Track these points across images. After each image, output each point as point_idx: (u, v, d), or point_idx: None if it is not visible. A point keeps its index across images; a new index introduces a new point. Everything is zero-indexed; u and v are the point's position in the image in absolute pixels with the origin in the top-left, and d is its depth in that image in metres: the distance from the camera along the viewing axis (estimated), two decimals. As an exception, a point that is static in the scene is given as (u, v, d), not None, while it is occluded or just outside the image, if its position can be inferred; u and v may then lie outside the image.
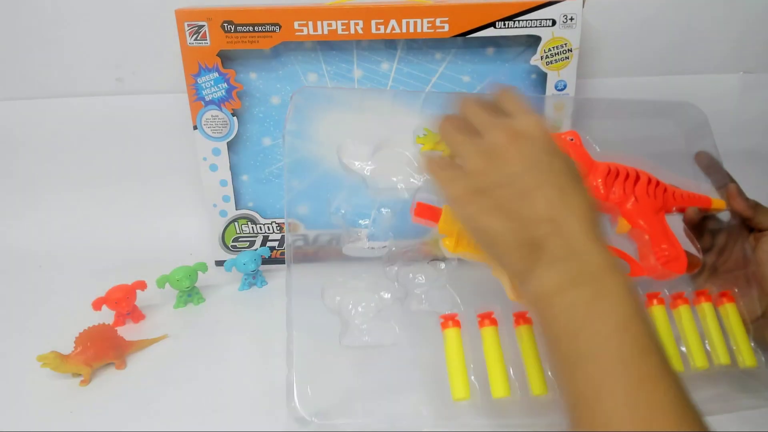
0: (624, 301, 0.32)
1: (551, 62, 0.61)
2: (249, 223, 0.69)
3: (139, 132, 0.78)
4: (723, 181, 0.53)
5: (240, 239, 0.70)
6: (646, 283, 0.50)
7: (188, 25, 0.58)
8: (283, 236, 0.70)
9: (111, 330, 0.53)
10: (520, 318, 0.46)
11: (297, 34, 0.58)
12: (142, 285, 0.60)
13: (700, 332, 0.48)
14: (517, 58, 0.62)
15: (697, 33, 0.76)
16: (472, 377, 0.45)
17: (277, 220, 0.69)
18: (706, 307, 0.49)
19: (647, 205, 0.49)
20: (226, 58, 0.60)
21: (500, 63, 0.62)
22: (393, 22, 0.58)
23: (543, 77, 0.62)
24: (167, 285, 0.61)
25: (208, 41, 0.59)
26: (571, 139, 0.50)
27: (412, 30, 0.58)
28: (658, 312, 0.48)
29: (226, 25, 0.58)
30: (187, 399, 0.48)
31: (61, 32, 0.73)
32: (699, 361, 0.47)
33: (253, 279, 0.66)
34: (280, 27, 0.58)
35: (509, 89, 0.39)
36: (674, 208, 0.51)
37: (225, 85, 0.61)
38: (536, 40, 0.59)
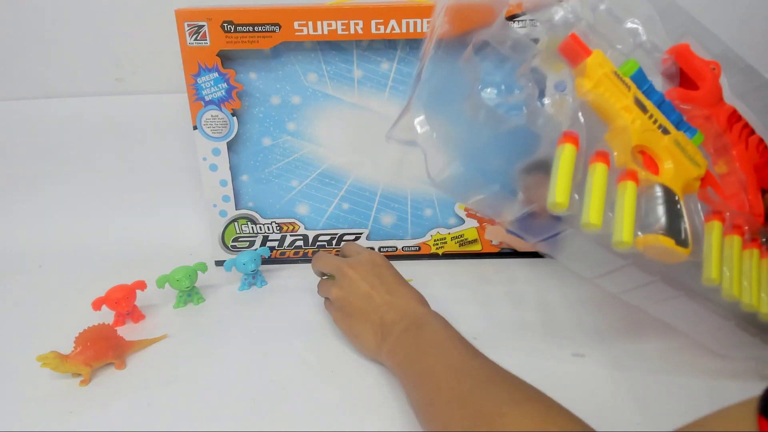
0: (441, 328, 0.47)
1: (551, 62, 0.61)
2: (249, 223, 0.69)
3: (139, 132, 0.78)
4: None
5: (240, 239, 0.70)
6: (731, 216, 0.50)
7: (188, 25, 0.58)
8: (283, 236, 0.70)
9: (111, 330, 0.53)
10: (628, 176, 0.45)
11: (297, 34, 0.58)
12: (141, 285, 0.60)
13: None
14: (516, 58, 0.62)
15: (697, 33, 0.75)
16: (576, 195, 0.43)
17: (277, 220, 0.69)
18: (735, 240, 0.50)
19: (752, 158, 0.51)
20: (226, 58, 0.60)
21: (500, 63, 0.62)
22: (393, 22, 0.58)
23: (543, 77, 0.62)
24: (167, 285, 0.61)
25: (208, 41, 0.59)
26: (713, 68, 0.52)
27: (412, 30, 0.58)
28: (736, 241, 0.49)
29: (226, 25, 0.58)
30: (187, 399, 0.48)
31: (61, 32, 0.73)
32: (753, 299, 0.48)
33: (253, 279, 0.66)
34: (280, 27, 0.58)
35: (348, 244, 0.62)
36: (766, 179, 0.52)
37: (225, 85, 0.61)
38: (536, 40, 0.59)
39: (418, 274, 0.67)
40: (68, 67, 0.75)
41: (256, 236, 0.70)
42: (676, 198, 0.45)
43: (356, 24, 0.58)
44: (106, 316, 0.58)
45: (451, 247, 0.72)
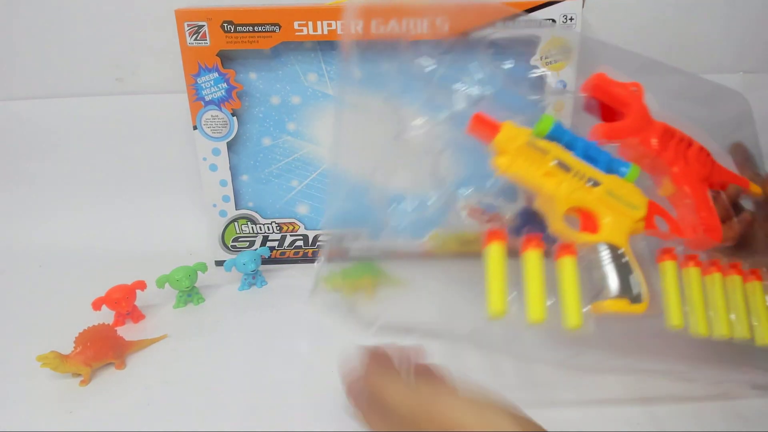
0: None
1: (551, 62, 0.61)
2: (249, 223, 0.69)
3: (139, 132, 0.78)
4: (757, 170, 0.53)
5: (240, 239, 0.70)
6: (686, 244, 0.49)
7: (188, 25, 0.58)
8: (283, 236, 0.70)
9: (111, 330, 0.53)
10: (564, 250, 0.45)
11: (297, 34, 0.58)
12: (141, 285, 0.60)
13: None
14: (517, 58, 0.62)
15: (697, 33, 0.76)
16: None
17: (277, 220, 0.69)
18: (736, 279, 0.49)
19: (695, 172, 0.49)
20: (226, 58, 0.60)
21: (500, 63, 0.62)
22: (393, 22, 0.58)
23: (543, 77, 0.62)
24: (167, 285, 0.61)
25: (207, 41, 0.59)
26: (634, 90, 0.50)
27: (411, 30, 0.58)
28: (693, 273, 0.48)
29: (225, 25, 0.58)
30: (187, 399, 0.48)
31: (61, 32, 0.73)
32: (722, 329, 0.47)
33: (253, 279, 0.66)
34: (280, 27, 0.58)
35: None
36: (715, 186, 0.51)
37: (225, 85, 0.61)
38: (536, 40, 0.59)
39: (418, 274, 0.67)
40: (68, 67, 0.75)
41: (256, 236, 0.70)
42: (620, 252, 0.44)
43: (356, 24, 0.58)
44: (106, 316, 0.58)
45: (452, 246, 0.71)
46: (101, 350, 0.51)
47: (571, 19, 0.58)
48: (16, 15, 0.72)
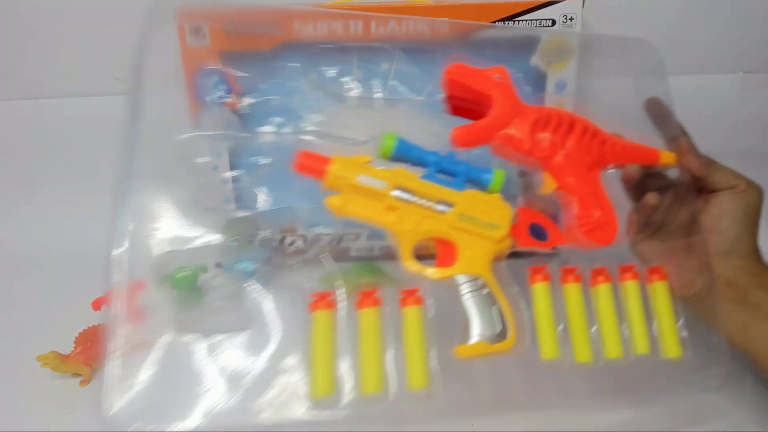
0: None
1: (551, 62, 0.61)
2: (249, 223, 0.69)
3: (139, 132, 0.78)
4: (674, 132, 0.47)
5: (240, 239, 0.70)
6: (580, 254, 0.44)
7: (188, 25, 0.58)
8: (283, 236, 0.70)
9: (111, 330, 0.52)
10: (408, 297, 0.41)
11: (297, 34, 0.58)
12: (142, 285, 0.60)
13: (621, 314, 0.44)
14: (517, 58, 0.62)
15: (697, 33, 0.76)
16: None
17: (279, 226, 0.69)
18: (630, 286, 0.43)
19: (579, 160, 0.43)
20: (226, 58, 0.60)
21: (500, 63, 0.62)
22: (393, 22, 0.58)
23: (543, 77, 0.62)
24: (180, 280, 0.61)
25: (207, 41, 0.59)
26: (498, 77, 0.44)
27: (412, 30, 0.58)
28: (571, 291, 0.42)
29: (226, 25, 0.58)
30: (187, 399, 0.48)
31: (61, 32, 0.73)
32: (612, 351, 0.42)
33: (253, 279, 0.66)
34: (280, 27, 0.58)
35: None
36: (612, 165, 0.45)
37: (225, 85, 0.61)
38: (536, 40, 0.59)
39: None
40: (68, 67, 0.75)
41: (256, 236, 0.70)
42: (480, 283, 0.40)
43: (356, 24, 0.58)
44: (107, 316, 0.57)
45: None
46: (101, 350, 0.50)
47: (571, 19, 0.58)
48: (17, 15, 0.72)
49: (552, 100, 0.62)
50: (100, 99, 0.76)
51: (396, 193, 0.40)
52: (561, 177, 0.42)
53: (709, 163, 0.46)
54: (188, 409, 0.41)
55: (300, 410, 0.39)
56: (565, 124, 0.43)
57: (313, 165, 0.40)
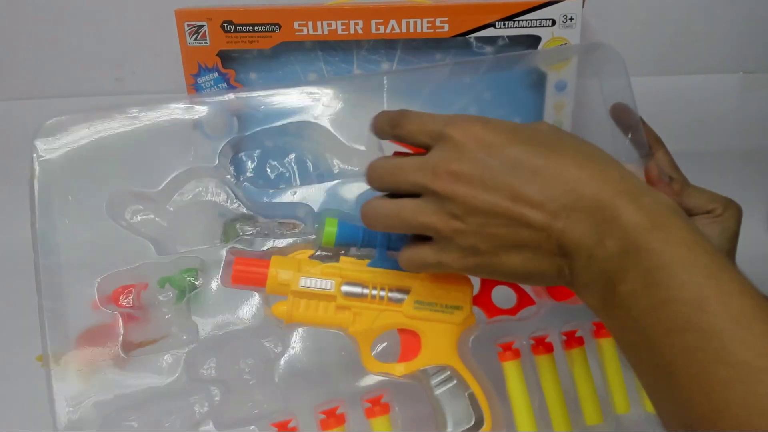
0: (686, 242, 0.27)
1: (551, 62, 0.61)
2: (249, 223, 0.69)
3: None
4: (643, 149, 0.44)
5: (240, 239, 0.69)
6: (500, 328, 0.42)
7: (188, 25, 0.58)
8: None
9: (111, 330, 0.52)
10: (375, 407, 0.40)
11: (297, 34, 0.58)
12: (142, 285, 0.60)
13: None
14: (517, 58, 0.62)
15: (697, 33, 0.76)
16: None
17: (277, 220, 0.69)
18: (605, 342, 0.43)
19: None
20: (226, 58, 0.60)
21: (500, 63, 0.62)
22: (393, 22, 0.58)
23: (543, 77, 0.62)
24: (167, 285, 0.61)
25: (207, 41, 0.59)
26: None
27: (412, 30, 0.58)
28: (544, 363, 0.42)
29: (225, 25, 0.58)
30: (187, 399, 0.48)
31: (61, 32, 0.73)
32: (590, 418, 0.42)
33: (253, 279, 0.66)
34: (280, 27, 0.58)
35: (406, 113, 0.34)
36: None
37: (225, 85, 0.61)
38: (536, 40, 0.59)
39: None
40: (68, 67, 0.75)
41: (256, 236, 0.70)
42: (448, 373, 0.38)
43: (356, 24, 0.58)
44: (107, 316, 0.57)
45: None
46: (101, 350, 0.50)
47: (571, 18, 0.58)
48: (16, 15, 0.72)
49: (552, 100, 0.62)
50: (100, 99, 0.76)
51: (345, 289, 0.38)
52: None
53: (682, 187, 0.43)
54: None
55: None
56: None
57: (250, 273, 0.38)
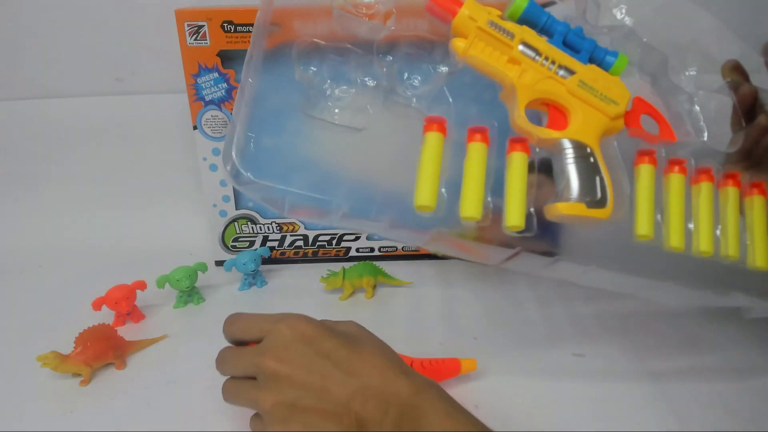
0: (443, 412, 0.36)
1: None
2: (249, 223, 0.69)
3: (139, 132, 0.78)
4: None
5: (240, 239, 0.70)
6: (671, 149, 0.44)
7: (188, 25, 0.58)
8: (283, 236, 0.70)
9: (111, 330, 0.53)
10: (516, 143, 0.41)
11: (297, 33, 0.58)
12: (141, 285, 0.60)
13: (717, 216, 0.44)
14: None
15: (697, 33, 0.75)
16: (443, 190, 0.40)
17: (277, 220, 0.69)
18: (731, 191, 0.44)
19: None
20: (226, 58, 0.60)
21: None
22: (393, 21, 0.58)
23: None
24: (167, 285, 0.61)
25: (207, 41, 0.59)
26: None
27: (412, 30, 0.58)
28: (675, 180, 0.43)
29: (225, 25, 0.58)
30: (187, 399, 0.48)
31: (61, 32, 0.73)
32: (704, 245, 0.42)
33: (253, 279, 0.66)
34: (280, 27, 0.58)
35: (238, 318, 0.42)
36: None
37: (225, 85, 0.61)
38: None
39: (418, 274, 0.67)
40: (68, 67, 0.75)
41: (256, 236, 0.70)
42: (587, 151, 0.39)
43: (356, 24, 0.58)
44: (106, 316, 0.58)
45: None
46: (101, 350, 0.51)
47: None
48: (17, 15, 0.72)
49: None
50: (100, 99, 0.76)
51: (521, 47, 0.39)
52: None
53: None
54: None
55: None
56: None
57: (446, 4, 0.40)
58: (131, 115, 0.77)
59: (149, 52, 0.74)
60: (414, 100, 0.44)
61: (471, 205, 0.39)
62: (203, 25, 0.58)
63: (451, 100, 0.43)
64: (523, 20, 0.40)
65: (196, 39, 0.59)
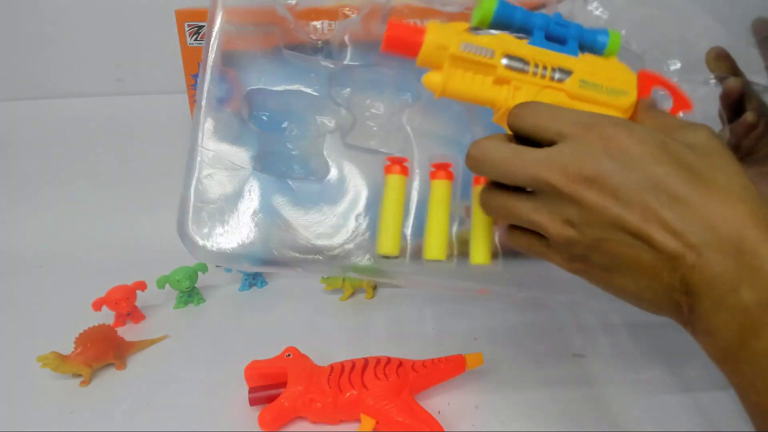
0: None
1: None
2: (249, 223, 0.69)
3: (139, 132, 0.78)
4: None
5: (240, 239, 0.70)
6: None
7: (188, 26, 0.58)
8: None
9: (111, 330, 0.53)
10: (476, 180, 0.39)
11: (297, 33, 0.58)
12: (142, 285, 0.60)
13: None
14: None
15: (697, 32, 0.75)
16: (408, 232, 0.39)
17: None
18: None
19: (384, 389, 0.43)
20: (226, 58, 0.60)
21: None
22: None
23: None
24: (167, 285, 0.61)
25: (208, 41, 0.59)
26: (288, 356, 0.47)
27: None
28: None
29: (226, 25, 0.58)
30: (187, 399, 0.48)
31: (61, 32, 0.73)
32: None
33: (253, 279, 0.66)
34: (280, 27, 0.58)
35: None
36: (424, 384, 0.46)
37: (225, 85, 0.61)
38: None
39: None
40: (68, 67, 0.75)
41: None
42: None
43: (356, 24, 0.58)
44: (107, 316, 0.58)
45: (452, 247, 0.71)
46: (101, 351, 0.51)
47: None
48: (17, 15, 0.72)
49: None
50: (100, 99, 0.76)
51: (506, 61, 0.34)
52: (375, 411, 0.42)
53: None
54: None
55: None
56: (359, 366, 0.45)
57: (406, 37, 0.33)
58: (131, 115, 0.77)
59: (149, 52, 0.74)
60: (372, 142, 0.42)
61: (434, 249, 0.38)
62: (203, 26, 0.58)
63: (412, 135, 0.41)
64: (495, 24, 0.35)
65: (196, 39, 0.59)
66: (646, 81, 0.37)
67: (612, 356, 0.53)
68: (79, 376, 0.50)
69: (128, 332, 0.56)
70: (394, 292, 0.64)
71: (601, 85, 0.35)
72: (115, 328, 0.54)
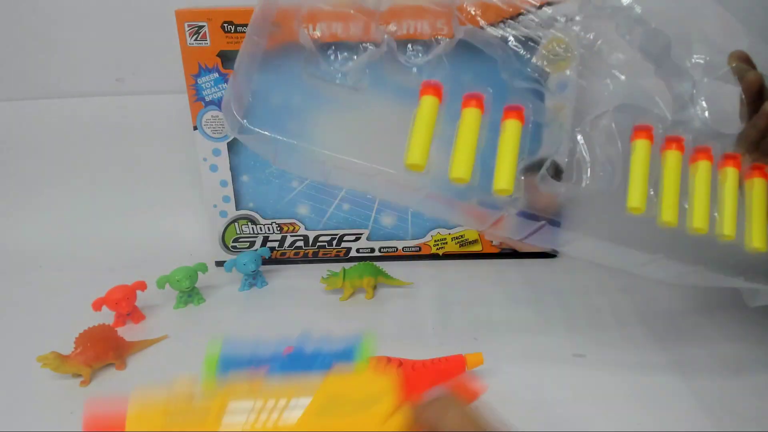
0: None
1: (551, 62, 0.61)
2: (249, 223, 0.69)
3: (139, 132, 0.78)
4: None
5: (240, 240, 0.70)
6: (670, 128, 0.44)
7: (188, 26, 0.58)
8: (283, 237, 0.70)
9: (111, 330, 0.53)
10: (510, 112, 0.42)
11: (297, 34, 0.58)
12: (142, 285, 0.60)
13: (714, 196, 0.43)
14: (518, 57, 0.62)
15: (697, 33, 0.75)
16: (434, 149, 0.40)
17: (277, 221, 0.69)
18: (730, 171, 0.43)
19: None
20: (226, 58, 0.60)
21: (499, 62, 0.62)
22: (393, 23, 0.58)
23: (544, 77, 0.62)
24: (167, 285, 0.61)
25: (208, 41, 0.59)
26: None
27: (412, 31, 0.58)
28: (671, 157, 0.42)
29: (226, 25, 0.58)
30: (188, 399, 0.48)
31: (61, 32, 0.73)
32: (698, 221, 0.42)
33: (254, 279, 0.66)
34: (280, 27, 0.58)
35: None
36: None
37: (225, 85, 0.61)
38: (536, 40, 0.59)
39: (418, 274, 0.67)
40: (68, 67, 0.75)
41: (257, 237, 0.70)
42: None
43: (356, 24, 0.58)
44: (107, 316, 0.58)
45: (452, 247, 0.72)
46: (102, 351, 0.51)
47: (572, 19, 0.58)
48: (17, 15, 0.72)
49: (552, 100, 0.62)
50: (100, 99, 0.76)
51: (228, 420, 0.31)
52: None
53: None
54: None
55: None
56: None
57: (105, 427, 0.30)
58: (131, 115, 0.77)
59: (149, 52, 0.74)
60: (414, 69, 0.45)
61: (461, 167, 0.39)
62: (203, 26, 0.58)
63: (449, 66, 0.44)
64: (223, 372, 0.33)
65: (196, 39, 0.59)
66: (410, 378, 0.37)
67: (612, 356, 0.53)
68: (79, 376, 0.50)
69: (128, 332, 0.56)
70: (394, 292, 0.64)
71: (349, 399, 0.31)
72: (115, 328, 0.54)
